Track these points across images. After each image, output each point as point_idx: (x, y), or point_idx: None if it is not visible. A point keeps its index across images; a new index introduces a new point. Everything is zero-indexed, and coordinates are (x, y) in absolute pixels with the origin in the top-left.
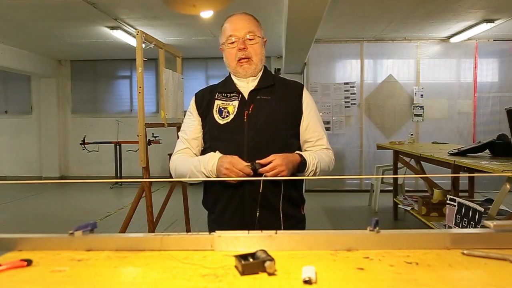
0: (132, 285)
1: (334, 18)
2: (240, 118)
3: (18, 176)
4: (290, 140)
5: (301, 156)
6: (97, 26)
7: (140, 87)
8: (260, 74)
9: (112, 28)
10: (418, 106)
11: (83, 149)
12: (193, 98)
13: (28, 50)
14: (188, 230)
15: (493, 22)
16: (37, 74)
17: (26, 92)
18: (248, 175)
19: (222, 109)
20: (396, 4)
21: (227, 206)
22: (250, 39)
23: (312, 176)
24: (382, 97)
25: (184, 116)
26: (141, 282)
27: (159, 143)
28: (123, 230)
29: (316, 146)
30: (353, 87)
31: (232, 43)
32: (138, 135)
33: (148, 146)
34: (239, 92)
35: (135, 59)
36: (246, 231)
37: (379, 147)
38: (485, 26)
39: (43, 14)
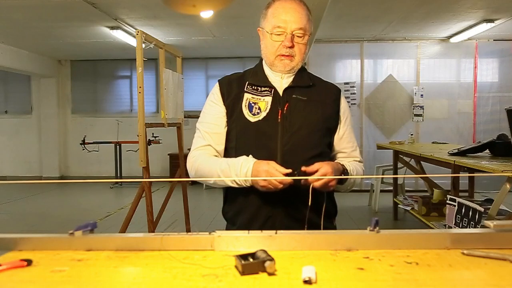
0: (132, 285)
1: (334, 18)
2: (273, 118)
3: (18, 176)
4: (325, 149)
5: (343, 166)
6: (97, 26)
7: (140, 87)
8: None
9: (112, 28)
10: (418, 106)
11: (83, 149)
12: (217, 86)
13: (28, 50)
14: (188, 230)
15: (493, 22)
16: (37, 74)
17: (26, 92)
18: (287, 185)
19: (253, 104)
20: (396, 4)
21: (253, 219)
22: (299, 36)
23: (348, 188)
24: (382, 97)
25: (184, 116)
26: (141, 282)
27: (159, 143)
28: (123, 230)
29: (349, 158)
30: (353, 87)
31: (279, 35)
32: (138, 135)
33: (148, 146)
34: (271, 87)
35: (135, 59)
36: (246, 231)
37: (379, 147)
38: (485, 26)
39: (43, 14)
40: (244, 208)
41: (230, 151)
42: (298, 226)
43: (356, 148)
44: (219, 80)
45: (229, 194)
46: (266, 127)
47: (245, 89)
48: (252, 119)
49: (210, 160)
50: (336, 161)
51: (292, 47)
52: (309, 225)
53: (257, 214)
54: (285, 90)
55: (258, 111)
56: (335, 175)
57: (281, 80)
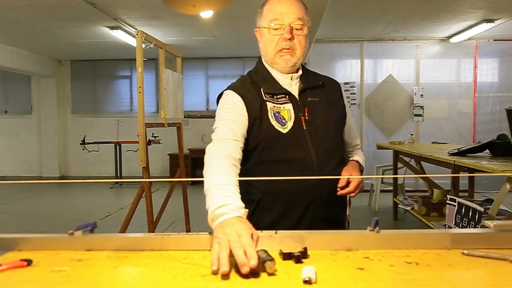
0: (132, 285)
1: (334, 18)
2: (299, 126)
3: (18, 176)
4: (343, 147)
5: (358, 162)
6: (97, 26)
7: (140, 87)
8: (300, 69)
9: (112, 28)
10: (418, 106)
11: (83, 149)
12: (235, 95)
13: (28, 50)
14: (188, 230)
15: (493, 22)
16: (37, 74)
17: (26, 92)
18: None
19: (277, 114)
20: (396, 4)
21: (295, 227)
22: (297, 29)
23: None
24: (382, 97)
25: (184, 116)
26: (141, 282)
27: (159, 143)
28: (123, 230)
29: (354, 147)
30: (353, 87)
31: (277, 28)
32: (138, 135)
33: (148, 146)
34: (287, 93)
35: (135, 59)
36: None
37: (379, 147)
38: (485, 26)
39: (43, 14)
40: (284, 217)
41: (263, 164)
42: (335, 228)
43: (357, 136)
44: (233, 89)
45: (263, 201)
46: (296, 137)
47: (264, 98)
48: (283, 130)
49: (222, 170)
50: (352, 159)
51: (291, 39)
52: (337, 222)
53: (299, 223)
54: (300, 94)
55: (284, 121)
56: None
57: (291, 82)
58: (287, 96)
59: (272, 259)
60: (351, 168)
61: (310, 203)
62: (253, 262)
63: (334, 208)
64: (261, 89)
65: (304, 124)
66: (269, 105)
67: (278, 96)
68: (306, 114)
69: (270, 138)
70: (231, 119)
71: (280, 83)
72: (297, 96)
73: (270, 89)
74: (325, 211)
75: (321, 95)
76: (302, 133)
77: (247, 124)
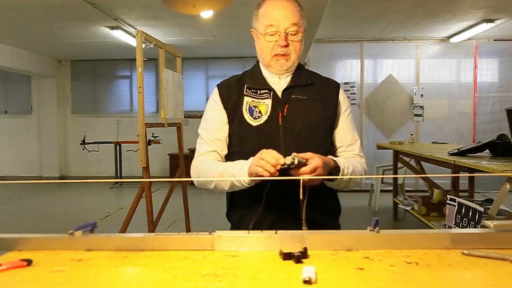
0: (132, 285)
1: (334, 18)
2: (274, 120)
3: (18, 176)
4: (329, 147)
5: (334, 161)
6: (97, 26)
7: (140, 87)
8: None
9: (112, 28)
10: (418, 106)
11: (83, 149)
12: (216, 91)
13: (28, 50)
14: (188, 230)
15: (493, 22)
16: (37, 74)
17: (26, 92)
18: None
19: (253, 108)
20: (396, 4)
21: (258, 224)
22: (292, 34)
23: (342, 186)
24: (382, 97)
25: (184, 116)
26: (141, 282)
27: (159, 143)
28: (123, 230)
29: (346, 152)
30: (353, 87)
31: (272, 35)
32: (138, 135)
33: (148, 146)
34: (270, 89)
35: (135, 59)
36: (246, 231)
37: (379, 147)
38: (485, 26)
39: (43, 14)
40: (249, 213)
41: (233, 156)
42: (308, 227)
43: (355, 142)
44: (217, 85)
45: (233, 198)
46: (268, 130)
47: (244, 93)
48: (254, 123)
49: (213, 163)
50: (329, 156)
51: (287, 46)
52: (313, 224)
53: (263, 218)
54: (284, 91)
55: (259, 114)
56: (325, 171)
57: (279, 81)
58: (270, 92)
59: (294, 160)
60: (319, 156)
61: (273, 200)
62: (281, 160)
63: (306, 208)
64: (245, 84)
65: (280, 120)
66: (247, 99)
67: (261, 92)
68: (286, 110)
69: (241, 130)
70: (209, 127)
71: (268, 80)
72: (279, 92)
73: (253, 84)
74: (294, 210)
75: (311, 94)
76: (276, 128)
77: (227, 121)
